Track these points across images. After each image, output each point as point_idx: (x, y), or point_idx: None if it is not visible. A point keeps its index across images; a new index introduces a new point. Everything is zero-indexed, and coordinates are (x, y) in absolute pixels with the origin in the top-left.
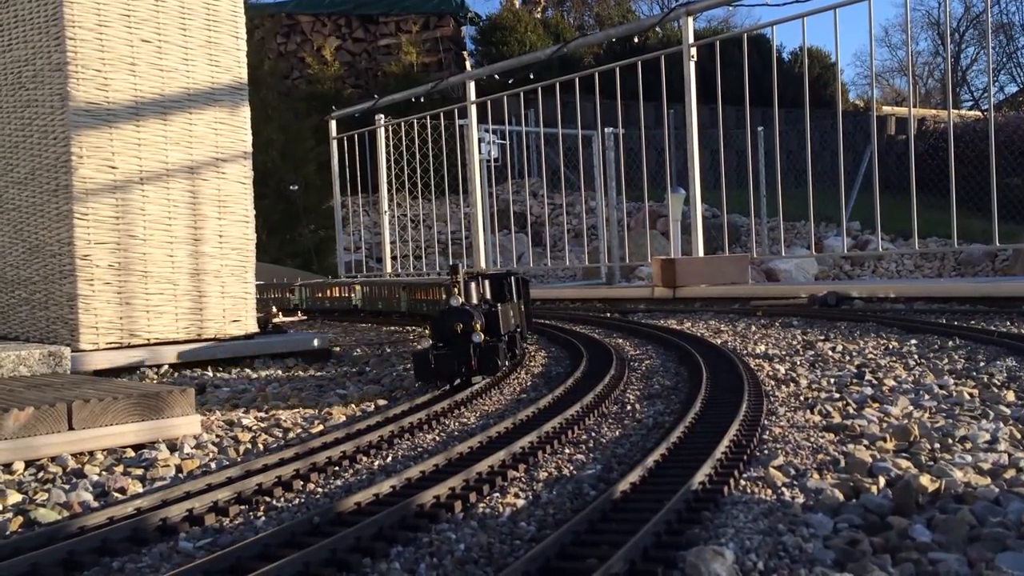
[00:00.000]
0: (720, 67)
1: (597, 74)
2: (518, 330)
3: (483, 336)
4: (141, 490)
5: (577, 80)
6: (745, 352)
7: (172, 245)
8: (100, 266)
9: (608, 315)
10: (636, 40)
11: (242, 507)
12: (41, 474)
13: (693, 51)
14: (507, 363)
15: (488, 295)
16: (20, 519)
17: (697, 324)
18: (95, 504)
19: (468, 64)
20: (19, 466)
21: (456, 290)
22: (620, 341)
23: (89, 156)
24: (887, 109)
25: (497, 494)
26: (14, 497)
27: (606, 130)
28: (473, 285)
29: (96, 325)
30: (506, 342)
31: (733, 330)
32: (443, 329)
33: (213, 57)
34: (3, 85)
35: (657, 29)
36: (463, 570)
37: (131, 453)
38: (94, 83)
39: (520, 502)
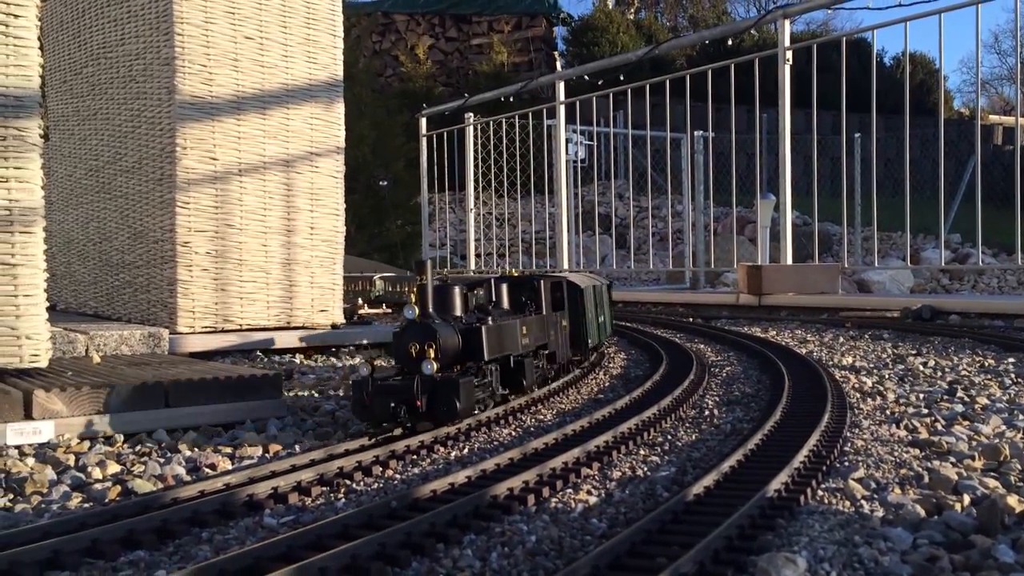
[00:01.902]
0: (817, 71)
1: (688, 76)
2: (545, 351)
3: (436, 365)
4: (230, 467)
5: (668, 82)
6: (831, 363)
7: (266, 235)
8: (199, 253)
9: (690, 320)
10: (730, 42)
11: (324, 488)
12: (139, 447)
13: (789, 54)
14: (496, 401)
15: (504, 303)
16: (118, 488)
17: (782, 333)
18: (187, 478)
19: (558, 64)
20: (119, 439)
21: (412, 297)
22: (701, 346)
23: (192, 147)
24: (994, 118)
25: (570, 490)
26: (113, 467)
27: (696, 133)
28: (456, 291)
29: (193, 309)
30: (501, 370)
31: (820, 340)
32: (399, 352)
33: (311, 54)
34: (115, 78)
35: (752, 32)
36: (533, 561)
37: (222, 432)
38: (199, 78)
39: (592, 499)
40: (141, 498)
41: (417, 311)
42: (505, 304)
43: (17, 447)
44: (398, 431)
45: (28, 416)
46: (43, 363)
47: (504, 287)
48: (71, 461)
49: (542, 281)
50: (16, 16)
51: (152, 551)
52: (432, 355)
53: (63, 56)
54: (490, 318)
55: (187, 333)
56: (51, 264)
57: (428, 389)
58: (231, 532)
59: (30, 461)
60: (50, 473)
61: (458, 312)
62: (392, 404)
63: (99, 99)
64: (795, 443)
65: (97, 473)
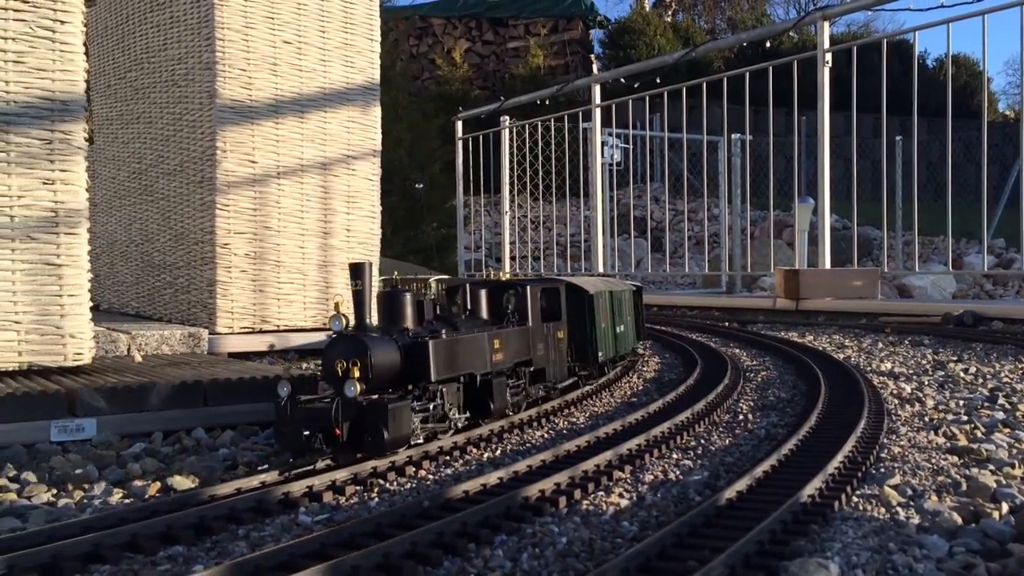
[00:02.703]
0: (857, 73)
1: (725, 79)
2: (530, 368)
3: (360, 387)
4: (266, 465)
5: (704, 85)
6: (869, 369)
7: (303, 237)
8: (237, 254)
9: (726, 324)
10: (769, 44)
11: (357, 487)
12: (178, 445)
13: (828, 56)
14: (453, 428)
15: (483, 312)
16: (158, 484)
17: (820, 338)
18: (224, 475)
19: (595, 67)
20: (159, 436)
21: (336, 306)
22: (737, 351)
23: (232, 151)
24: None
25: (602, 493)
26: (153, 464)
27: (733, 136)
28: (405, 299)
29: (232, 310)
30: (465, 391)
31: (858, 346)
32: (327, 369)
33: (348, 58)
34: (158, 82)
35: (792, 33)
36: (564, 562)
37: (259, 430)
38: (239, 82)
39: (624, 502)
40: (180, 495)
41: (345, 322)
42: (484, 313)
43: (60, 443)
44: (322, 463)
45: (72, 413)
46: (86, 361)
47: (482, 293)
48: (112, 458)
49: (528, 288)
50: (63, 22)
51: (190, 546)
52: (358, 375)
53: (108, 61)
54: (444, 331)
55: (226, 333)
56: (94, 265)
57: (351, 415)
58: (266, 529)
59: (73, 457)
60: (92, 469)
61: (408, 323)
62: (306, 432)
63: (142, 103)
64: (830, 449)
65: (137, 470)
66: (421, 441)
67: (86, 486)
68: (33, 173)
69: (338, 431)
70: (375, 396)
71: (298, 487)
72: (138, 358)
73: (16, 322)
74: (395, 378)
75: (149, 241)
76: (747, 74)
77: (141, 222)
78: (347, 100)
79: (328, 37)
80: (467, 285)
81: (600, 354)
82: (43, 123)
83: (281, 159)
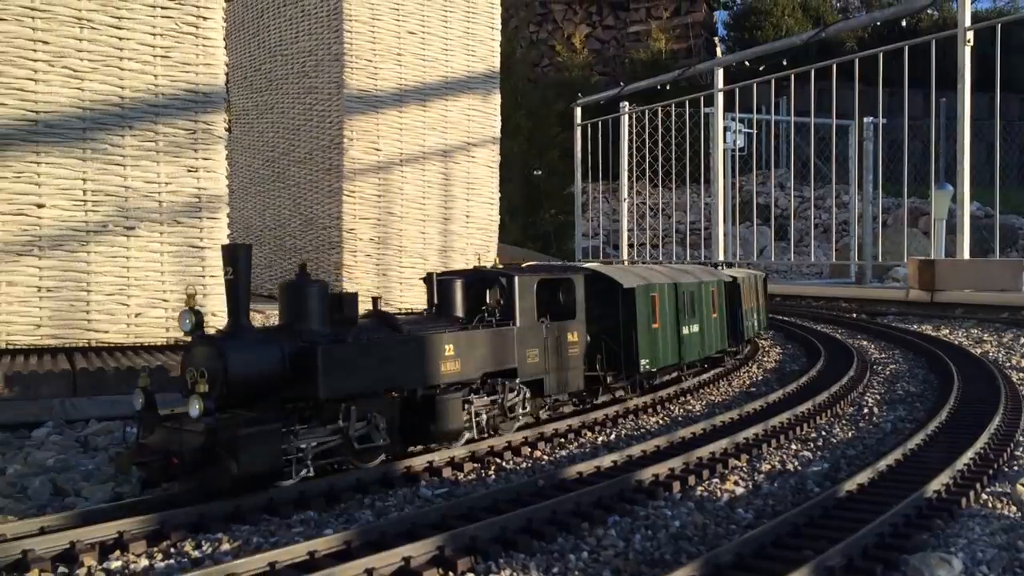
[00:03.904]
0: (1002, 52)
1: (858, 60)
2: (516, 379)
3: (202, 406)
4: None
5: (835, 66)
6: (1008, 365)
7: (424, 223)
8: (363, 239)
9: (854, 315)
10: (905, 23)
11: (475, 465)
12: None
13: (970, 35)
14: (360, 459)
15: (456, 308)
16: None
17: (956, 331)
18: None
19: (718, 51)
20: None
21: (189, 299)
22: (864, 343)
23: (358, 139)
24: None
25: (716, 480)
26: None
27: (865, 120)
28: (312, 292)
29: (357, 293)
30: (404, 409)
31: (998, 341)
32: (182, 381)
33: (470, 47)
34: (289, 73)
35: (930, 11)
36: (676, 545)
37: None
38: (365, 72)
39: (739, 490)
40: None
41: (193, 320)
42: (458, 310)
43: None
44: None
45: None
46: None
47: (456, 286)
48: None
49: (517, 279)
50: (205, 18)
51: (321, 512)
52: (204, 389)
53: (244, 54)
54: (352, 334)
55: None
56: None
57: (195, 442)
58: (390, 500)
59: None
60: None
61: (314, 324)
62: (160, 453)
63: (275, 94)
64: (960, 445)
65: None
66: (312, 474)
67: None
68: (179, 161)
69: (174, 460)
70: (229, 417)
71: (419, 462)
72: None
73: (164, 300)
74: (275, 393)
75: (281, 226)
76: (881, 54)
77: (274, 208)
78: (468, 88)
79: (450, 26)
80: (434, 276)
81: (644, 362)
82: (187, 114)
83: (404, 147)
